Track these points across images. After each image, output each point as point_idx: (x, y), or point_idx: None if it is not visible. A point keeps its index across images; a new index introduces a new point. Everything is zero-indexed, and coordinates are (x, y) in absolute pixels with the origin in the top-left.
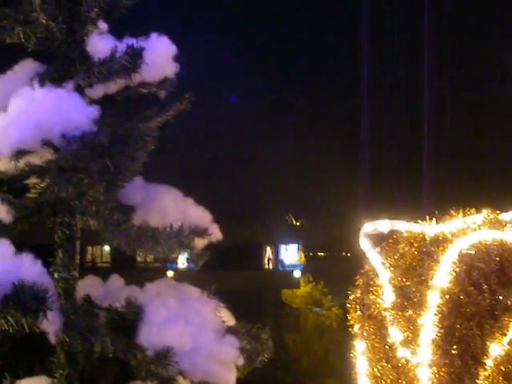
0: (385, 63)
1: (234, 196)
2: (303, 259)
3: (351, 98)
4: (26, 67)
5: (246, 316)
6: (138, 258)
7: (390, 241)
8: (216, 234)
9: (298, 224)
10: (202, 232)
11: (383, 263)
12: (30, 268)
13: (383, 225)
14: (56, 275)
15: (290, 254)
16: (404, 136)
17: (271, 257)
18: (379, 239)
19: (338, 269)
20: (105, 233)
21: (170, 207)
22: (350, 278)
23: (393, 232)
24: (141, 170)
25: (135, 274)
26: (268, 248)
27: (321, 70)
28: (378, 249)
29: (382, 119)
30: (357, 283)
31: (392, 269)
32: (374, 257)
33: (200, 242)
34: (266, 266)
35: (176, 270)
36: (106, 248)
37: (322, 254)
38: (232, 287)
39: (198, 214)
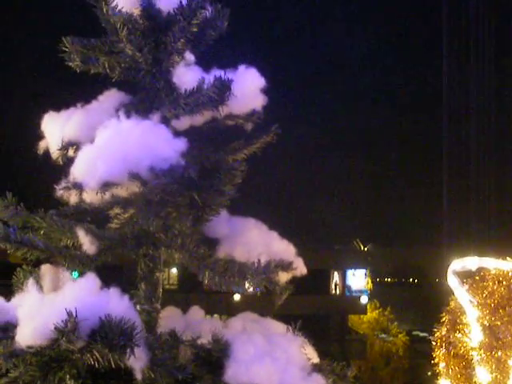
0: (474, 89)
1: (303, 221)
2: (370, 285)
3: (430, 119)
4: (111, 97)
5: (311, 341)
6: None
7: (478, 278)
8: (301, 268)
9: (365, 249)
10: (286, 266)
11: (471, 301)
12: (117, 303)
13: (471, 262)
14: (138, 307)
15: (357, 280)
16: (490, 162)
17: (338, 282)
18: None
19: (405, 295)
20: (190, 266)
21: (255, 240)
22: (418, 304)
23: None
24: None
25: (203, 296)
26: (335, 273)
27: (400, 94)
28: (466, 286)
29: (462, 142)
30: (442, 320)
31: (480, 307)
32: (461, 294)
33: (284, 276)
34: (333, 291)
35: (242, 293)
36: (173, 270)
37: (389, 279)
38: (298, 312)
39: (282, 248)
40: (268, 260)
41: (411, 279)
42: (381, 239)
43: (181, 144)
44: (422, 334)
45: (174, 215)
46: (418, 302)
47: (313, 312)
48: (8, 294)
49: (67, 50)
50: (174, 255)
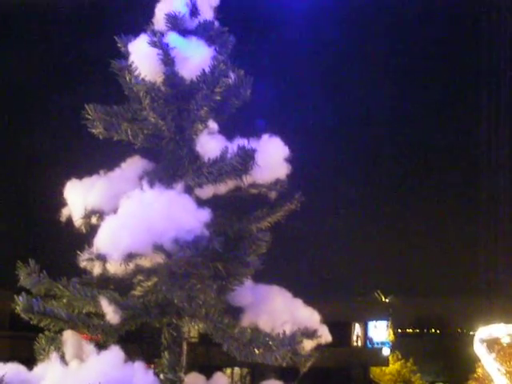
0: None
1: (323, 272)
2: (392, 336)
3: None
4: (134, 165)
5: None
6: None
7: (505, 345)
8: (325, 335)
9: (386, 300)
10: (311, 334)
11: (499, 369)
12: (141, 377)
13: (498, 329)
14: (162, 376)
15: (379, 331)
16: None
17: (360, 334)
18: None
19: (427, 346)
20: (215, 336)
21: (280, 309)
22: (440, 355)
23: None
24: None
25: (221, 349)
26: (357, 325)
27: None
28: (494, 354)
29: (482, 196)
30: None
31: (508, 375)
32: (489, 362)
33: (308, 344)
34: (355, 343)
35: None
36: None
37: (410, 330)
38: (320, 364)
39: (306, 315)
40: (293, 331)
41: (433, 330)
42: (402, 290)
43: (205, 214)
44: None
45: (199, 287)
46: (441, 352)
47: (335, 364)
48: (28, 349)
49: (90, 117)
50: (199, 325)
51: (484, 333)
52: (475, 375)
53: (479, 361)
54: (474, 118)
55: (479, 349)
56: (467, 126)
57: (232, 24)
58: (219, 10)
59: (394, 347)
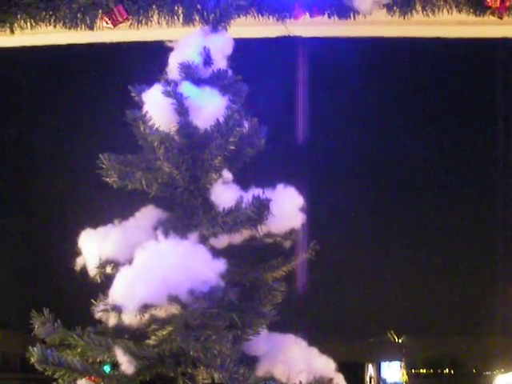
0: None
1: (335, 314)
2: (406, 377)
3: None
4: (148, 214)
5: None
6: None
7: None
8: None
9: (400, 341)
10: (326, 383)
11: None
12: None
13: None
14: None
15: (393, 372)
16: None
17: (373, 374)
18: None
19: None
20: None
21: (295, 357)
22: None
23: None
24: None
25: None
26: (370, 366)
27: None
28: None
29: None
30: None
31: None
32: None
33: None
34: None
35: None
36: None
37: (424, 370)
38: None
39: (322, 364)
40: (309, 380)
41: (447, 370)
42: (415, 330)
43: (220, 265)
44: None
45: (214, 338)
46: None
47: None
48: None
49: (105, 166)
50: (214, 374)
51: (502, 381)
52: None
53: None
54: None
55: None
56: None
57: (245, 72)
58: (233, 59)
59: None
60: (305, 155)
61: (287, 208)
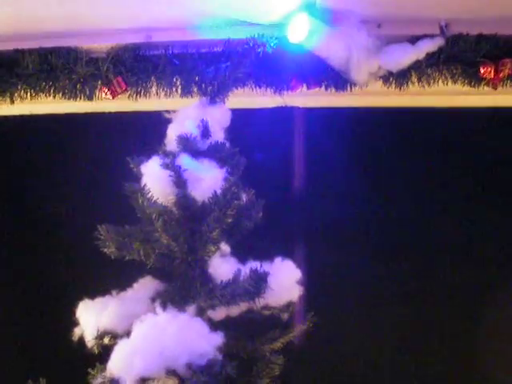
0: None
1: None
2: None
3: None
4: (146, 286)
5: None
6: None
7: None
8: None
9: None
10: None
11: None
12: None
13: None
14: None
15: None
16: None
17: None
18: None
19: None
20: None
21: None
22: None
23: None
24: None
25: None
26: None
27: None
28: None
29: None
30: None
31: None
32: None
33: None
34: None
35: None
36: None
37: None
38: None
39: None
40: None
41: None
42: None
43: (217, 338)
44: None
45: None
46: None
47: None
48: None
49: (103, 237)
50: None
51: None
52: None
53: None
54: None
55: None
56: None
57: (242, 144)
58: (230, 131)
59: None
60: (303, 225)
61: (285, 281)
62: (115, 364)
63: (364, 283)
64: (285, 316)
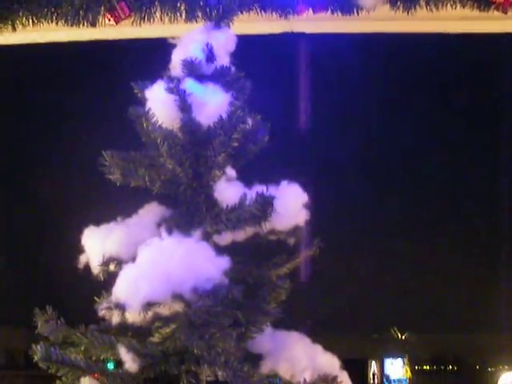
0: None
1: (338, 310)
2: (409, 373)
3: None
4: (151, 211)
5: None
6: None
7: None
8: (346, 382)
9: (403, 337)
10: (331, 381)
11: None
12: None
13: None
14: None
15: (396, 369)
16: None
17: (376, 371)
18: None
19: (445, 383)
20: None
21: (299, 355)
22: None
23: None
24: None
25: None
26: (373, 362)
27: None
28: None
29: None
30: None
31: None
32: None
33: None
34: (371, 381)
35: None
36: None
37: (427, 367)
38: None
39: (326, 361)
40: (314, 378)
41: (451, 366)
42: (418, 326)
43: (224, 262)
44: None
45: (218, 335)
46: None
47: None
48: None
49: (107, 163)
50: (217, 372)
51: (507, 379)
52: None
53: None
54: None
55: None
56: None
57: (248, 69)
58: (235, 56)
59: None
60: (307, 150)
61: (291, 205)
62: (121, 289)
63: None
64: (291, 241)
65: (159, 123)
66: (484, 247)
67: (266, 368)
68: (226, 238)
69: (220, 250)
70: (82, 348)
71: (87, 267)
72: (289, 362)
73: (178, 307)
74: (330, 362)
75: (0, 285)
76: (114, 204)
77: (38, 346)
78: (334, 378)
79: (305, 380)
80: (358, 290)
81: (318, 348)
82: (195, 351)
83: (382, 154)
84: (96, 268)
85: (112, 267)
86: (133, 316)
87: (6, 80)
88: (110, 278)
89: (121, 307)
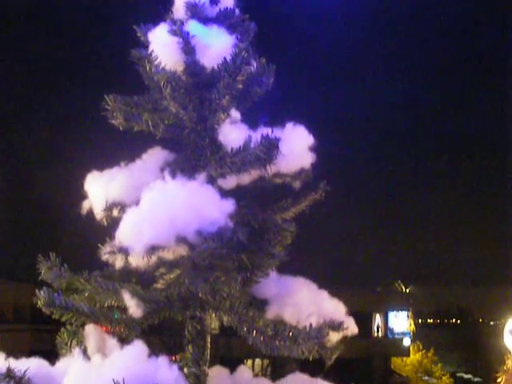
0: None
1: (344, 263)
2: (413, 326)
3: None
4: (155, 156)
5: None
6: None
7: None
8: (352, 327)
9: (407, 291)
10: (337, 326)
11: None
12: (166, 372)
13: None
14: (186, 370)
15: (400, 322)
16: None
17: (380, 324)
18: None
19: (448, 336)
20: (239, 329)
21: (305, 301)
22: (461, 345)
23: None
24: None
25: (242, 341)
26: (377, 315)
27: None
28: None
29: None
30: (498, 380)
31: None
32: None
33: (334, 336)
34: (376, 334)
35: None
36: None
37: (431, 320)
38: (341, 355)
39: (332, 307)
40: (320, 323)
41: (454, 320)
42: (422, 280)
43: (228, 205)
44: (466, 376)
45: (223, 279)
46: (462, 343)
47: (356, 355)
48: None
49: (110, 107)
50: (223, 318)
51: None
52: (505, 367)
53: (508, 352)
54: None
55: (509, 340)
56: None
57: (253, 11)
58: None
59: (414, 338)
60: (316, 94)
61: (297, 147)
62: (124, 232)
63: None
64: (297, 184)
65: (162, 65)
66: (491, 203)
67: (271, 313)
68: (230, 182)
69: (225, 193)
70: (86, 294)
71: (91, 213)
72: (294, 308)
73: (182, 251)
74: (336, 308)
75: (5, 241)
76: (117, 149)
77: (41, 292)
78: (340, 324)
79: (310, 325)
80: (364, 244)
81: (324, 294)
82: (200, 295)
83: (383, 106)
84: (99, 213)
85: (115, 212)
86: (136, 260)
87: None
88: (114, 224)
89: (124, 251)
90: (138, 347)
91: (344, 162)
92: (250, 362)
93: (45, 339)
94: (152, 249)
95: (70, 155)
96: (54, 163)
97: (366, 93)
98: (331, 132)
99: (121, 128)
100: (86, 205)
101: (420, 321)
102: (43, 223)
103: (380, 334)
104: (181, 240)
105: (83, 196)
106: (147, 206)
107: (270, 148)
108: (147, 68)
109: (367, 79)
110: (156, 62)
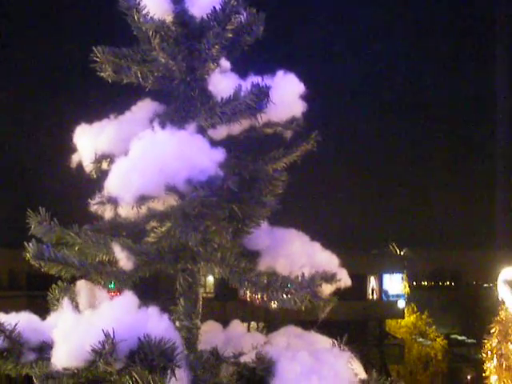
0: None
1: (338, 225)
2: (407, 289)
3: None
4: (145, 108)
5: (349, 346)
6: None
7: None
8: (345, 279)
9: (401, 253)
10: (330, 278)
11: None
12: (156, 322)
13: None
14: (178, 324)
15: (394, 284)
16: None
17: (375, 287)
18: None
19: (442, 298)
20: (231, 280)
21: (298, 252)
22: (455, 307)
23: None
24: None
25: (238, 305)
26: (372, 278)
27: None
28: None
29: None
30: (492, 331)
31: None
32: None
33: (327, 288)
34: (370, 296)
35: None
36: (210, 278)
37: (425, 283)
38: (336, 317)
39: (325, 259)
40: (312, 273)
41: (448, 282)
42: (417, 242)
43: (218, 154)
44: (460, 338)
45: (214, 229)
46: (456, 305)
47: (350, 317)
48: (44, 307)
49: (99, 59)
50: (214, 269)
51: (508, 274)
52: (498, 318)
53: (502, 303)
54: None
55: (503, 290)
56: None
57: None
58: None
59: (409, 300)
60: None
61: (287, 95)
62: (113, 182)
63: None
64: (288, 134)
65: (151, 15)
66: (484, 167)
67: (263, 265)
68: (221, 132)
69: (215, 144)
70: (76, 248)
71: (80, 166)
72: (287, 259)
73: (172, 200)
74: (328, 260)
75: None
76: (106, 101)
77: (30, 244)
78: (333, 275)
79: (303, 275)
80: (358, 207)
81: (317, 245)
82: (191, 246)
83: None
84: (88, 166)
85: (105, 165)
86: (126, 211)
87: None
88: (103, 176)
89: (113, 201)
90: (128, 298)
91: (337, 112)
92: (245, 325)
93: (40, 305)
94: (141, 198)
95: (58, 108)
96: (42, 117)
97: (358, 40)
98: (323, 80)
99: (110, 80)
100: (75, 158)
101: (414, 283)
102: (32, 178)
103: (375, 297)
104: (170, 189)
105: (72, 149)
106: (136, 156)
107: (260, 96)
108: (136, 18)
109: (361, 26)
110: (144, 12)
